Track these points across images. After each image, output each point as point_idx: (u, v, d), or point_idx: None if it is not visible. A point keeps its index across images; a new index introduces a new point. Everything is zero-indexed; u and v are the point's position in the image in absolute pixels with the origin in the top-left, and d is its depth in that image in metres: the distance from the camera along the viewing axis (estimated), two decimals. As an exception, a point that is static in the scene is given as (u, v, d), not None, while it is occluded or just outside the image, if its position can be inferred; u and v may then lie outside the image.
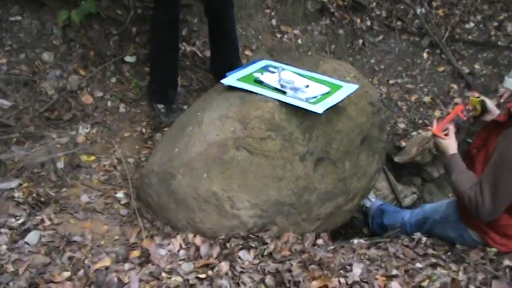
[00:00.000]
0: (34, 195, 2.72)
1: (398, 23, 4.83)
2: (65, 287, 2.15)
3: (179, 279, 2.21)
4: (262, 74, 2.75)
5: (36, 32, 3.46)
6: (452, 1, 4.90)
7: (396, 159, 3.96)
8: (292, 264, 2.29)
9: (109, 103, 3.44)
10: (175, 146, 2.62)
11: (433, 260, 2.49)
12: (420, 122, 4.06)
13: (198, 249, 2.41)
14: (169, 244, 2.43)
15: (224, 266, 2.27)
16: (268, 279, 2.22)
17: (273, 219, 2.54)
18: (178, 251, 2.41)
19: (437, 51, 4.61)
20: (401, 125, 4.05)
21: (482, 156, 2.49)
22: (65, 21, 3.45)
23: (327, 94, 2.62)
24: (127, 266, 2.27)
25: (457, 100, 4.18)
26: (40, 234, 2.47)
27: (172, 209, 2.58)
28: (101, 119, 3.33)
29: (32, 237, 2.45)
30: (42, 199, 2.71)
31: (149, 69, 3.52)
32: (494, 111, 2.66)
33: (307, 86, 2.64)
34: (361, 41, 4.66)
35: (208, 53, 3.85)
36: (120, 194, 2.89)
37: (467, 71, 4.42)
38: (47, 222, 2.57)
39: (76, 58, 3.50)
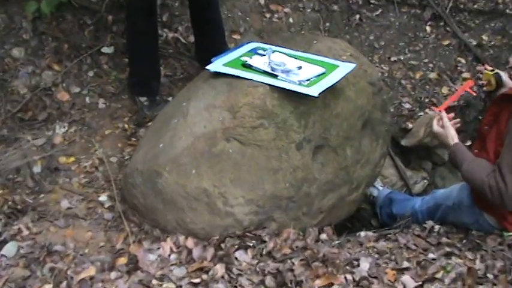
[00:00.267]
0: (10, 203, 2.71)
1: (397, -6, 4.80)
2: (47, 301, 2.14)
3: (171, 285, 2.20)
4: (250, 58, 2.73)
5: (4, 27, 3.43)
6: (454, -33, 4.87)
7: (403, 142, 3.94)
8: (293, 263, 2.29)
9: (87, 99, 3.43)
10: (160, 141, 2.61)
11: (447, 249, 2.48)
12: (427, 100, 4.05)
13: (190, 252, 2.40)
14: (159, 248, 2.42)
15: (220, 268, 2.25)
16: (269, 280, 2.21)
17: (270, 215, 2.53)
18: (169, 255, 2.40)
19: (441, 23, 4.58)
20: (407, 105, 4.03)
21: (494, 134, 2.47)
22: (34, 13, 3.42)
23: (322, 75, 2.60)
24: (114, 274, 2.26)
25: (466, 75, 4.17)
26: (18, 245, 2.46)
27: (160, 210, 2.57)
28: (79, 117, 3.32)
29: (10, 249, 2.44)
30: (18, 207, 2.70)
31: (128, 60, 3.51)
32: (510, 84, 2.63)
33: (300, 68, 2.61)
34: (357, 16, 4.61)
35: (192, 39, 3.84)
36: (103, 197, 2.87)
37: (474, 43, 4.40)
38: (25, 232, 2.55)
39: (49, 52, 3.48)
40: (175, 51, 3.87)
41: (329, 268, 2.24)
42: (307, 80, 2.55)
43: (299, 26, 4.42)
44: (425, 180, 3.91)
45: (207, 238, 2.47)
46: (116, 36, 3.71)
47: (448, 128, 2.61)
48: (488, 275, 2.27)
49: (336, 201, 2.77)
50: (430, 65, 4.33)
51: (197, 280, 2.20)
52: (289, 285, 2.16)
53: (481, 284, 2.22)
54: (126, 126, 3.37)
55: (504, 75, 2.67)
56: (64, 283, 2.21)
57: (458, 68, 4.28)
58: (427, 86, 4.17)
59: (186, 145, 2.49)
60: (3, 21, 3.44)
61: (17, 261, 2.37)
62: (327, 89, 2.50)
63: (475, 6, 4.65)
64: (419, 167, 4.05)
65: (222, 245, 2.40)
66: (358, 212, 3.41)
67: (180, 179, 2.48)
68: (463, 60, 4.32)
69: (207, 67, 2.69)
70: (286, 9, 4.43)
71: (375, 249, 2.50)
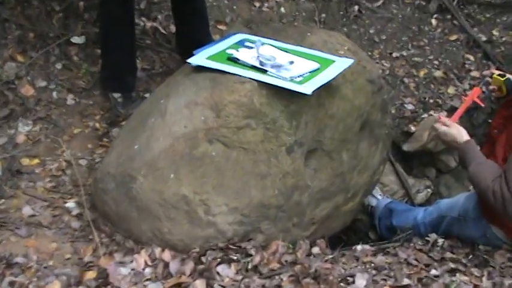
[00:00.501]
0: (-34, 210, 2.69)
1: (401, -17, 4.83)
2: (6, 319, 2.13)
3: (145, 303, 2.19)
4: (237, 51, 2.73)
5: (-39, 13, 3.42)
6: (463, -45, 4.91)
7: (405, 147, 3.97)
8: (282, 279, 2.28)
9: (54, 94, 3.41)
10: (135, 142, 2.60)
11: (452, 265, 2.50)
12: (431, 101, 4.08)
13: (167, 265, 2.39)
14: (132, 261, 2.40)
15: (199, 284, 2.24)
16: (254, 298, 2.20)
17: (257, 225, 2.52)
18: (144, 269, 2.38)
19: (448, 16, 4.63)
20: (409, 106, 4.06)
21: (504, 138, 2.51)
22: (-5, -3, 3.40)
23: (316, 71, 2.60)
24: (81, 290, 2.24)
25: (474, 74, 4.20)
26: (-26, 257, 2.44)
27: (134, 219, 2.56)
28: (45, 114, 3.30)
29: (-35, 261, 2.41)
30: (-25, 214, 2.68)
31: (101, 52, 3.49)
32: None
33: (292, 63, 2.62)
34: (356, 7, 4.65)
35: (172, 29, 3.84)
36: (70, 204, 2.85)
37: (484, 38, 4.44)
38: (-18, 242, 2.54)
39: (12, 42, 3.45)
40: (154, 42, 3.86)
41: (321, 285, 2.23)
42: (300, 76, 2.55)
43: (292, 16, 4.43)
44: (429, 189, 3.94)
45: (186, 250, 2.46)
46: (88, 25, 3.70)
47: (454, 125, 2.63)
48: (496, 293, 2.29)
49: (330, 211, 2.77)
50: (436, 62, 4.37)
51: (174, 297, 2.20)
52: (277, 303, 2.17)
53: (488, 304, 2.24)
54: (97, 125, 3.36)
55: None
56: (25, 299, 2.20)
57: (466, 65, 4.31)
58: (432, 85, 4.20)
59: (164, 147, 2.48)
60: (-40, 7, 3.43)
61: (-28, 274, 2.35)
62: (321, 86, 2.50)
63: (486, -2, 4.71)
64: (422, 174, 4.08)
65: (203, 259, 2.39)
66: (355, 223, 3.43)
67: (157, 184, 2.47)
68: (471, 58, 4.36)
69: (189, 60, 2.68)
70: (278, -2, 4.45)
71: (372, 265, 2.50)
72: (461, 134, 2.60)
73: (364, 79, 2.89)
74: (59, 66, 3.52)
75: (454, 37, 4.50)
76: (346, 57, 2.79)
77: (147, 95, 3.53)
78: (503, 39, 4.42)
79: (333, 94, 2.70)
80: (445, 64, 4.33)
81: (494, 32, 4.47)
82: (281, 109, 2.51)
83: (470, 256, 2.62)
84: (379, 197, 3.49)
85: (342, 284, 2.28)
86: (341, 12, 4.62)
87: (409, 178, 3.88)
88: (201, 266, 2.35)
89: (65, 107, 3.38)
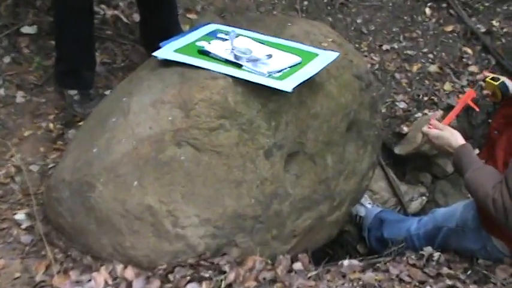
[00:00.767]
0: None
1: (391, -32, 4.87)
2: None
3: (105, 326, 2.19)
4: (209, 43, 2.74)
5: None
6: None
7: (397, 150, 4.00)
8: (260, 299, 2.28)
9: (2, 91, 3.41)
10: (94, 145, 2.59)
11: (449, 282, 2.51)
12: (426, 99, 4.12)
13: (130, 284, 2.38)
14: (90, 280, 2.40)
15: (167, 305, 2.24)
16: (228, 320, 2.21)
17: (231, 238, 2.52)
18: (104, 288, 2.38)
19: (444, 4, 4.68)
20: (401, 105, 4.09)
21: (505, 140, 2.53)
22: None
23: (298, 66, 2.62)
24: (32, 313, 2.24)
25: (472, 68, 4.24)
26: None
27: (92, 232, 2.54)
28: (-9, 114, 3.29)
29: None
30: None
31: (55, 44, 3.47)
32: None
33: (270, 56, 2.63)
34: (343, -6, 4.68)
35: (136, 18, 3.85)
36: (20, 215, 2.83)
37: (483, 29, 4.49)
38: None
39: (-47, 31, 3.45)
40: (115, 33, 3.87)
41: (304, 305, 2.25)
42: (279, 71, 2.56)
43: (270, 4, 4.45)
44: (424, 197, 3.97)
45: (151, 267, 2.45)
46: (40, 13, 3.70)
47: (447, 128, 2.65)
48: (497, 312, 2.32)
49: (314, 222, 2.78)
50: (430, 55, 4.41)
51: (138, 320, 2.20)
52: (254, 326, 2.17)
53: (489, 324, 2.26)
54: (51, 126, 3.35)
55: (509, 83, 2.75)
56: (-32, 323, 2.19)
57: (464, 59, 4.36)
58: (426, 81, 4.23)
59: (127, 150, 2.47)
60: None
61: None
62: (303, 82, 2.51)
63: (485, -15, 4.77)
64: (416, 180, 4.10)
65: (170, 276, 2.39)
66: (341, 235, 3.44)
67: (118, 192, 2.46)
68: (469, 51, 4.40)
69: (155, 53, 2.68)
70: (255, -16, 4.47)
71: (361, 282, 2.50)
72: (455, 138, 2.61)
73: (351, 74, 2.90)
74: (7, 59, 3.52)
75: (450, 28, 4.55)
76: (331, 50, 2.80)
77: (107, 92, 3.53)
78: (504, 30, 4.47)
79: (316, 91, 2.71)
80: (441, 58, 4.37)
81: (494, 23, 4.52)
82: (258, 108, 2.52)
83: (469, 271, 2.64)
84: (369, 206, 3.50)
85: (326, 303, 2.30)
86: (325, 0, 4.64)
87: (401, 184, 3.90)
88: (168, 285, 2.35)
89: (14, 106, 3.38)
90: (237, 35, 2.73)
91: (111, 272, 2.44)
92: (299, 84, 2.49)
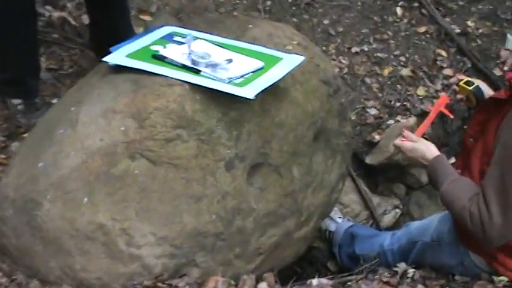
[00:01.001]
0: None
1: (360, -34, 4.92)
2: None
3: None
4: (164, 47, 2.73)
5: None
6: None
7: (368, 160, 4.02)
8: (222, 323, 2.28)
9: None
10: (40, 159, 2.56)
11: (424, 300, 2.53)
12: (398, 104, 4.14)
13: (81, 310, 2.35)
14: (37, 307, 2.36)
15: (121, 332, 2.23)
16: None
17: (191, 258, 2.51)
18: (52, 315, 2.35)
19: (416, 4, 4.72)
20: (373, 111, 4.11)
21: (481, 148, 2.54)
22: None
23: (260, 71, 2.62)
24: None
25: (447, 71, 4.29)
26: None
27: (39, 254, 2.50)
28: None
29: None
30: None
31: (-4, 49, 3.46)
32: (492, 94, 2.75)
33: (230, 61, 2.63)
34: (308, -7, 4.71)
35: (85, 20, 3.82)
36: (-42, 237, 2.77)
37: (458, 30, 4.54)
38: None
39: None
40: (62, 36, 3.85)
41: (269, 328, 2.25)
42: (240, 77, 2.56)
43: (231, 5, 4.46)
44: (398, 209, 3.99)
45: (104, 291, 2.43)
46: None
47: (421, 140, 2.68)
48: (476, 330, 2.34)
49: (280, 238, 2.78)
50: (402, 58, 4.44)
51: None
52: None
53: None
54: (-8, 138, 3.31)
55: (484, 87, 2.79)
56: None
57: (438, 62, 4.40)
58: (399, 86, 4.27)
59: (76, 164, 2.45)
60: None
61: None
62: (266, 89, 2.52)
63: (459, -17, 4.84)
64: (389, 191, 4.13)
65: (125, 300, 2.37)
66: (310, 252, 3.44)
67: (67, 210, 2.43)
68: (443, 53, 4.45)
69: (105, 59, 2.67)
70: (214, -17, 4.48)
71: (331, 302, 2.51)
72: (429, 149, 2.63)
73: (318, 79, 2.92)
74: None
75: (422, 29, 4.59)
76: (296, 53, 2.81)
77: (54, 100, 3.50)
78: (480, 31, 4.52)
79: (281, 98, 2.72)
80: (413, 61, 4.41)
81: (469, 23, 4.58)
82: (218, 117, 2.52)
83: (446, 288, 2.67)
84: (339, 220, 3.52)
85: (294, 326, 2.31)
86: (290, 0, 4.67)
87: (373, 196, 3.93)
88: (123, 310, 2.33)
89: (-50, 116, 3.34)
90: (195, 38, 2.72)
91: (60, 296, 2.42)
92: (262, 91, 2.49)
